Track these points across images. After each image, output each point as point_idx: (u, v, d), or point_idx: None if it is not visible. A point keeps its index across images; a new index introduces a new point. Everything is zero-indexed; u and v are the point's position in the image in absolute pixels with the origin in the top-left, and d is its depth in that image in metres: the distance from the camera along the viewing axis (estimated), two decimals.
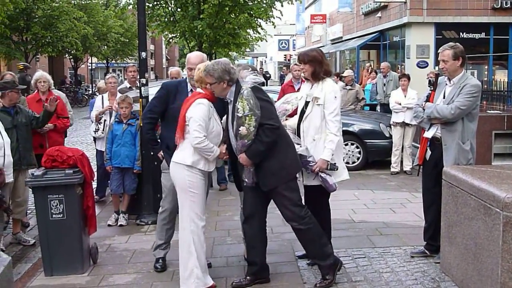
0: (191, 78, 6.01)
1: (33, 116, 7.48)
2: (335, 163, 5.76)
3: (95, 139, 9.86)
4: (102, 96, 9.50)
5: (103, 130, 9.17)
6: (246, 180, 5.53)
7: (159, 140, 6.25)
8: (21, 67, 17.22)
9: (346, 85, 14.55)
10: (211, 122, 5.43)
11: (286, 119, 6.17)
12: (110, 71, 49.83)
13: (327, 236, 5.95)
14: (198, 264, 5.46)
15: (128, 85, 9.52)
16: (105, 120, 9.25)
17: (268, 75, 47.27)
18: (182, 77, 8.83)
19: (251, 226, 5.70)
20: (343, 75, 15.44)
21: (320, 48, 39.64)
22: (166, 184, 6.19)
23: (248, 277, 5.71)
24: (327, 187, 5.75)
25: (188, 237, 5.45)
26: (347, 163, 11.59)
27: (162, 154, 6.14)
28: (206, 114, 5.36)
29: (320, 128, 5.76)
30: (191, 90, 6.09)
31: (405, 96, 11.53)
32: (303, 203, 5.68)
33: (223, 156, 5.65)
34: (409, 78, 11.96)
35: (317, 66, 5.76)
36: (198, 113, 5.32)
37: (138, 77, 8.58)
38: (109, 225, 8.03)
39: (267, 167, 5.43)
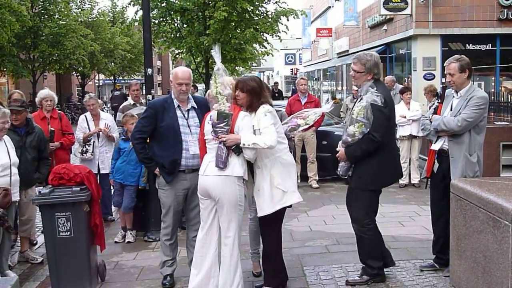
0: (181, 93, 6.06)
1: (45, 144, 7.46)
2: (241, 150, 5.42)
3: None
4: (85, 116, 9.21)
5: (92, 151, 8.97)
6: (341, 172, 6.06)
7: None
8: (119, 87, 17.65)
9: (354, 98, 14.50)
10: None
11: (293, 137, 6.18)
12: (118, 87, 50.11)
13: (279, 271, 5.86)
14: (242, 275, 5.55)
15: (132, 102, 9.53)
16: (94, 142, 9.01)
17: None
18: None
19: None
20: (354, 89, 15.28)
21: (327, 61, 39.67)
22: (165, 201, 6.20)
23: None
24: (217, 160, 5.38)
25: (236, 250, 5.46)
26: None
27: (159, 171, 6.17)
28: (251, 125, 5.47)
29: (263, 154, 5.49)
30: (178, 106, 6.15)
31: (408, 109, 11.52)
32: (373, 216, 6.03)
33: None
34: (411, 91, 12.01)
35: (254, 98, 5.53)
36: (247, 125, 5.41)
37: (145, 93, 8.60)
38: (116, 242, 8.02)
39: (360, 169, 5.87)
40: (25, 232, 7.34)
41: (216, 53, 5.64)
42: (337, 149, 6.01)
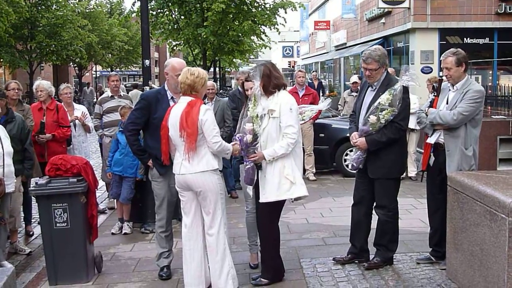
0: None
1: (26, 134, 7.20)
2: (260, 165, 5.67)
3: None
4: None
5: (70, 141, 8.78)
6: (354, 164, 6.14)
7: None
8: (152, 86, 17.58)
9: (352, 91, 14.51)
10: None
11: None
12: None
13: (276, 263, 5.92)
14: (232, 264, 5.54)
15: (110, 94, 9.48)
16: (71, 132, 8.71)
17: None
18: None
19: (358, 211, 6.40)
20: (351, 81, 15.28)
21: (324, 54, 39.61)
22: (159, 193, 6.20)
23: (349, 256, 6.39)
24: (245, 178, 5.75)
25: (222, 239, 5.48)
26: None
27: (152, 163, 6.18)
28: (214, 118, 5.43)
29: (277, 142, 5.56)
30: (172, 97, 6.16)
31: None
32: (395, 200, 6.24)
33: (237, 153, 5.71)
34: None
35: (265, 80, 5.63)
36: (210, 119, 5.33)
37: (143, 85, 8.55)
38: (112, 233, 8.02)
39: (382, 159, 5.99)
40: (10, 224, 7.10)
41: (256, 74, 5.71)
42: (353, 140, 6.07)
